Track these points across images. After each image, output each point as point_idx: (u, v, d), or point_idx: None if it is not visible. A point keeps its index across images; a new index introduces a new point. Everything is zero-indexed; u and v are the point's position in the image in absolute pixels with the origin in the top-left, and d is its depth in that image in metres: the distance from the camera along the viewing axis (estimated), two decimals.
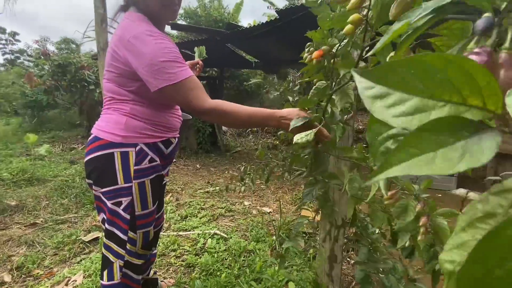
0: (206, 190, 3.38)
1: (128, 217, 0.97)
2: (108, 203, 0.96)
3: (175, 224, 2.37)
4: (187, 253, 1.84)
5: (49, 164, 4.41)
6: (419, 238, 0.55)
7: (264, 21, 3.85)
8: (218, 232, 2.07)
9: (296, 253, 1.69)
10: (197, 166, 4.90)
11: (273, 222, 2.43)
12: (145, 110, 0.97)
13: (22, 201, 3.13)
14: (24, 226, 2.60)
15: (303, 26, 3.99)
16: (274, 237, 2.00)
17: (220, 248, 1.84)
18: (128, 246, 1.00)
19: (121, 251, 1.01)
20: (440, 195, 3.58)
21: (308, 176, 0.94)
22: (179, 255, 1.84)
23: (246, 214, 2.63)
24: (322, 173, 0.87)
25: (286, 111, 0.86)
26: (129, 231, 0.99)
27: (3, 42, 19.37)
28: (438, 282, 0.81)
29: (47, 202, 3.17)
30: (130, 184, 0.95)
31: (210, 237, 1.99)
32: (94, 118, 7.48)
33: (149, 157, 0.98)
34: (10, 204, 3.00)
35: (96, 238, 2.25)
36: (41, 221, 2.69)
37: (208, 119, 0.99)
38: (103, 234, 1.02)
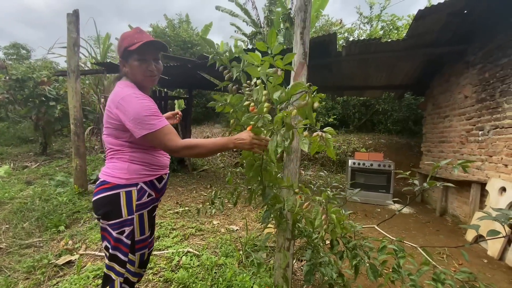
0: (176, 211, 3.58)
1: (129, 242, 1.21)
2: (114, 233, 1.19)
3: None
4: (163, 270, 2.07)
5: (3, 185, 4.17)
6: (324, 227, 1.01)
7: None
8: (190, 250, 2.33)
9: (260, 263, 2.04)
10: None
11: (240, 238, 2.76)
12: (140, 154, 1.23)
13: None
14: None
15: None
16: (241, 252, 2.33)
17: (193, 264, 2.10)
18: (127, 266, 1.23)
19: (122, 270, 1.23)
20: (379, 210, 4.28)
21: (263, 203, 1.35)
22: (156, 272, 2.06)
23: (215, 233, 2.92)
24: (271, 200, 1.29)
25: (238, 135, 1.20)
26: (129, 254, 1.22)
27: None
28: (358, 274, 1.26)
29: (7, 226, 3.07)
30: (132, 216, 1.19)
31: (184, 255, 2.24)
32: (51, 134, 7.11)
33: (147, 193, 1.23)
34: None
35: (70, 261, 2.33)
36: (5, 246, 2.64)
37: (181, 155, 1.20)
38: (107, 257, 1.24)
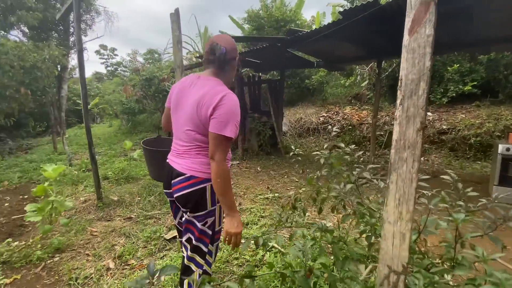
0: (266, 196, 3.54)
1: (210, 232, 1.28)
2: (199, 225, 1.25)
3: None
4: (247, 263, 2.01)
5: (140, 164, 5.31)
6: None
7: (326, 22, 3.71)
8: (276, 246, 2.18)
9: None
10: (258, 169, 5.13)
11: (333, 238, 2.39)
12: None
13: (121, 197, 3.89)
14: (123, 219, 3.24)
15: (367, 25, 3.70)
16: (332, 258, 1.98)
17: (277, 261, 1.94)
18: (207, 257, 1.29)
19: (201, 261, 1.28)
20: None
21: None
22: (240, 264, 2.02)
23: (305, 226, 2.66)
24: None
25: (239, 223, 1.22)
26: (209, 244, 1.29)
27: (106, 57, 23.78)
28: None
29: (139, 198, 3.86)
30: (214, 207, 1.27)
31: (268, 250, 2.11)
32: None
33: None
34: (113, 199, 3.78)
35: (175, 237, 2.64)
36: (135, 215, 3.31)
37: (213, 167, 1.15)
38: (189, 249, 1.28)
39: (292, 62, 5.97)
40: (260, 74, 6.97)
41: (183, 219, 1.31)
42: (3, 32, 6.38)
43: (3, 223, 3.20)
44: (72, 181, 4.51)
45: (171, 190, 1.30)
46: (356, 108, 8.28)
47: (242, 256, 2.09)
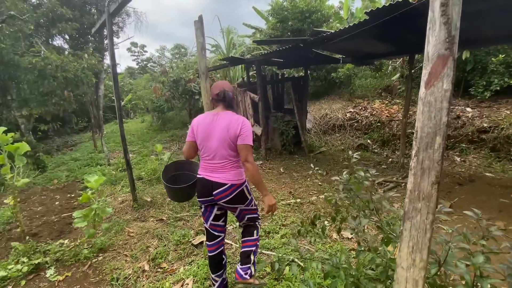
0: (288, 202, 3.59)
1: (255, 208, 1.94)
2: (248, 207, 1.87)
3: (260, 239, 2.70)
4: (268, 275, 2.12)
5: None
6: None
7: (352, 23, 3.56)
8: (296, 260, 2.25)
9: None
10: (281, 170, 5.17)
11: (353, 251, 2.40)
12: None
13: (154, 198, 4.21)
14: (156, 220, 3.52)
15: (398, 23, 3.48)
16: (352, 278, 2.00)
17: (297, 277, 2.02)
18: (259, 219, 1.99)
19: (257, 222, 1.98)
20: None
21: None
22: (261, 276, 2.13)
23: (325, 238, 2.69)
24: None
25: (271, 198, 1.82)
26: (256, 212, 1.96)
27: (136, 54, 24.90)
28: None
29: (169, 199, 4.14)
30: (251, 197, 1.90)
31: (287, 264, 2.19)
32: None
33: None
34: (147, 200, 4.10)
35: (202, 242, 2.83)
36: (166, 217, 3.57)
37: (247, 167, 1.71)
38: (253, 219, 1.94)
39: (316, 59, 5.82)
40: (284, 71, 6.88)
41: (238, 210, 1.85)
42: (46, 41, 7.01)
43: (55, 222, 3.66)
44: (111, 181, 4.95)
45: (209, 198, 1.75)
46: (387, 102, 7.87)
47: (263, 268, 2.20)
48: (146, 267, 2.51)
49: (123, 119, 14.72)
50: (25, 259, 2.61)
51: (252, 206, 1.90)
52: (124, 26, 11.14)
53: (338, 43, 4.13)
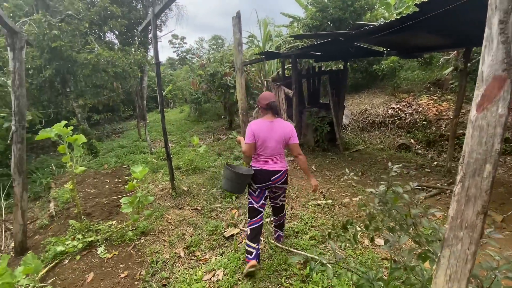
0: (319, 202, 3.55)
1: (286, 188, 2.56)
2: (285, 187, 2.48)
3: (287, 238, 2.74)
4: (295, 276, 2.16)
5: (205, 156, 5.89)
6: None
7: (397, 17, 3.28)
8: (324, 262, 2.24)
9: None
10: (313, 168, 5.09)
11: (385, 261, 2.32)
12: None
13: (190, 187, 4.48)
14: (191, 209, 3.76)
15: (453, 15, 3.14)
16: None
17: (324, 284, 2.02)
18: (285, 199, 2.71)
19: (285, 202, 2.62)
20: None
21: None
22: (288, 276, 2.18)
23: (356, 244, 2.63)
24: None
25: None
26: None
27: (177, 45, 25.96)
28: None
29: (204, 189, 4.37)
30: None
31: (314, 268, 2.20)
32: (233, 113, 9.14)
33: None
34: (184, 189, 4.38)
35: (232, 235, 2.96)
36: (200, 207, 3.79)
37: (300, 158, 2.35)
38: (283, 198, 2.53)
39: (358, 53, 5.50)
40: (322, 64, 6.64)
41: (283, 189, 2.47)
42: (99, 38, 7.68)
43: (105, 204, 4.12)
44: (153, 169, 5.37)
45: (267, 183, 2.30)
46: (435, 98, 7.18)
47: (291, 269, 2.25)
48: (182, 254, 2.72)
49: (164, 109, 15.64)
50: (80, 236, 3.01)
51: (286, 186, 2.50)
52: (166, 20, 11.68)
53: (381, 36, 3.85)
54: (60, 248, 2.77)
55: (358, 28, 3.88)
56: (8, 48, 2.75)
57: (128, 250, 2.89)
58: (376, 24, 3.58)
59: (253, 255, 2.20)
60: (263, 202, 2.36)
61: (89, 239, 2.93)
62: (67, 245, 2.86)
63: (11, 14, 5.28)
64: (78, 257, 2.77)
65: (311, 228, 2.91)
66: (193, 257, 2.67)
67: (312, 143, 6.01)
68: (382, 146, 6.31)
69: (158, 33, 11.60)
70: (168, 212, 3.67)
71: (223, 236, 2.95)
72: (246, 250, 2.26)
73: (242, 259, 2.45)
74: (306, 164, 2.36)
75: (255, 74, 7.71)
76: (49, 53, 5.42)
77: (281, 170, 2.30)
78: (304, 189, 3.99)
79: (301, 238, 2.71)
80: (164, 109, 15.05)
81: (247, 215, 2.40)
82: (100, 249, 2.88)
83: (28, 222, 3.92)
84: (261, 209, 2.35)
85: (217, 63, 7.65)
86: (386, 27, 3.43)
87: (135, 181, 2.99)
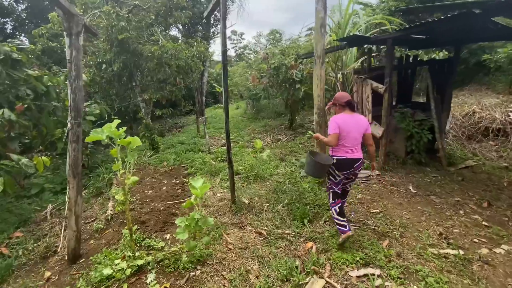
0: (443, 251, 2.41)
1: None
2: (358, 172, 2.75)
3: None
4: None
5: (267, 163, 5.13)
6: None
7: None
8: None
9: None
10: (410, 188, 3.85)
11: None
12: None
13: (251, 200, 3.78)
14: (254, 232, 3.04)
15: None
16: None
17: None
18: None
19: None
20: None
21: None
22: None
23: None
24: None
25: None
26: None
27: (235, 41, 25.99)
28: None
29: (267, 204, 3.62)
30: None
31: None
32: (296, 111, 8.19)
33: None
34: (245, 202, 3.70)
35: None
36: (266, 230, 3.03)
37: (373, 146, 2.76)
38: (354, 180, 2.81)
39: (480, 34, 3.98)
40: (420, 52, 5.20)
41: (356, 175, 2.77)
42: (164, 32, 7.60)
43: (160, 210, 3.70)
44: (211, 171, 4.86)
45: (350, 170, 2.61)
46: None
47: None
48: None
49: (220, 105, 15.47)
50: (130, 253, 2.55)
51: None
52: (228, 13, 11.32)
53: None
54: (107, 271, 2.33)
55: None
56: (65, 33, 2.38)
57: (181, 284, 2.30)
58: None
59: (347, 227, 2.55)
60: (340, 186, 2.75)
61: (139, 263, 2.44)
62: (116, 266, 2.42)
63: (83, 7, 5.37)
64: (125, 286, 2.28)
65: None
66: None
67: (402, 153, 4.71)
68: (505, 164, 4.61)
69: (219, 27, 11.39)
70: (228, 233, 3.02)
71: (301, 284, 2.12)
72: (339, 224, 2.59)
73: None
74: (374, 152, 2.79)
75: (327, 65, 6.64)
76: (117, 46, 5.37)
77: (360, 158, 2.61)
78: (411, 224, 2.88)
79: None
80: (220, 105, 14.87)
81: (329, 198, 2.76)
82: (150, 277, 2.36)
83: (86, 221, 3.77)
84: (339, 191, 2.75)
85: (281, 55, 6.81)
86: None
87: (193, 198, 2.37)
